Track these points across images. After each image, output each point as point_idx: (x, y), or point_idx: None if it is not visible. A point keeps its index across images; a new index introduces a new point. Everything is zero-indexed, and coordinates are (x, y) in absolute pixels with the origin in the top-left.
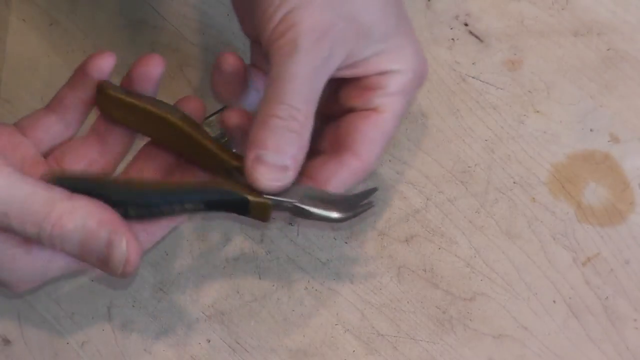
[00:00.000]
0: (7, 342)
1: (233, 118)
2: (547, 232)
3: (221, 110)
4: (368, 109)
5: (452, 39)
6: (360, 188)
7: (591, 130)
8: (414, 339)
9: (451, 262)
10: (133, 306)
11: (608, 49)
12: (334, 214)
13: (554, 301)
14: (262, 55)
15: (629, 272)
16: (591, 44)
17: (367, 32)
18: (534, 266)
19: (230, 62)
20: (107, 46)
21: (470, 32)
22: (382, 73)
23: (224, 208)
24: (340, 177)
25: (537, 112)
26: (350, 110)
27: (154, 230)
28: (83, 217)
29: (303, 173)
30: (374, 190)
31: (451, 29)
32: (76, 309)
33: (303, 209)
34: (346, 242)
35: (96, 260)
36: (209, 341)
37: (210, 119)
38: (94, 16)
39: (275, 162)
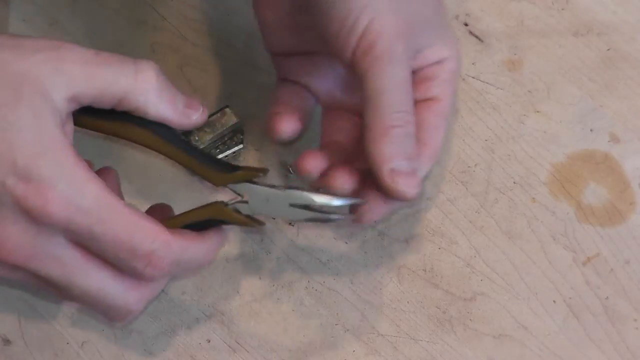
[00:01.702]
0: (7, 342)
1: (311, 163)
2: (547, 232)
3: (221, 109)
4: (427, 99)
5: None
6: None
7: (591, 130)
8: (414, 339)
9: (451, 262)
10: None
11: (608, 49)
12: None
13: (554, 301)
14: (294, 68)
15: (629, 272)
16: (591, 44)
17: (425, 26)
18: (534, 266)
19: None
20: (107, 46)
21: (470, 32)
22: (436, 62)
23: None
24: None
25: (537, 112)
26: None
27: None
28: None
29: None
30: None
31: None
32: (76, 309)
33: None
34: (346, 242)
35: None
36: (209, 341)
37: (211, 119)
38: (94, 16)
39: (409, 169)
